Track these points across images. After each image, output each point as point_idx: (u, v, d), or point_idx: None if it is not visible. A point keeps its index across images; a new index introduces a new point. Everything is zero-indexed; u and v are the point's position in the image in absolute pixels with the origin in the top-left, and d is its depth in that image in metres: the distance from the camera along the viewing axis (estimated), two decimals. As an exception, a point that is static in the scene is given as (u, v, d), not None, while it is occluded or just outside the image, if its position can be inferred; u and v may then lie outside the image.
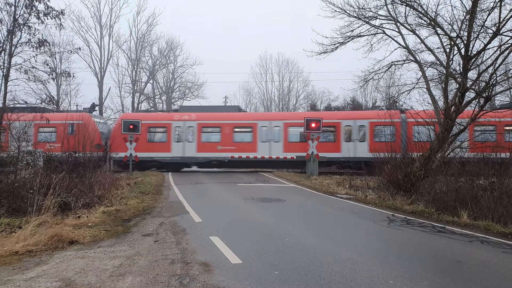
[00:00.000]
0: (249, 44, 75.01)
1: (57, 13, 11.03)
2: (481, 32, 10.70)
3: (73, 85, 39.05)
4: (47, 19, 10.92)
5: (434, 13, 12.33)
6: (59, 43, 31.22)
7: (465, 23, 11.32)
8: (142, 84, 41.61)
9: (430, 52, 13.29)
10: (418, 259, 5.44)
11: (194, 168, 23.96)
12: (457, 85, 11.84)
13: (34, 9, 10.64)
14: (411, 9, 12.82)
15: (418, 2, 12.33)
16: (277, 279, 4.45)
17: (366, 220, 8.79)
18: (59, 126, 20.63)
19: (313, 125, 19.74)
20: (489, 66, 11.24)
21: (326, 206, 11.05)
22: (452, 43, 11.97)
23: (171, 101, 45.24)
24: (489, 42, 10.57)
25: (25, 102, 11.25)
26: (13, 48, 10.47)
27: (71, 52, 32.28)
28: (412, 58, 14.06)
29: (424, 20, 12.75)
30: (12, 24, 10.40)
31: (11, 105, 10.46)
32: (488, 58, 11.49)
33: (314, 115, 22.88)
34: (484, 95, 10.84)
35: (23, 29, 10.61)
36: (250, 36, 74.27)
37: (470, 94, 12.45)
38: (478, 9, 10.95)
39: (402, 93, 15.28)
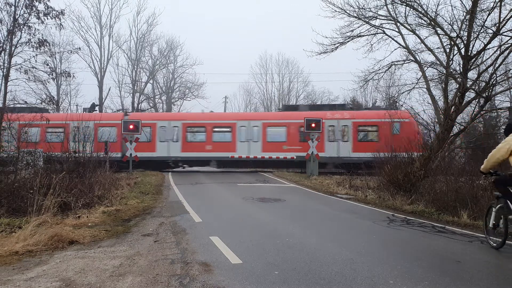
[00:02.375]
0: (249, 44, 75.06)
1: (57, 13, 11.03)
2: (481, 32, 10.72)
3: (73, 85, 39.07)
4: (47, 19, 10.93)
5: (434, 13, 12.35)
6: (59, 43, 31.23)
7: (465, 23, 11.32)
8: (142, 84, 41.63)
9: (430, 52, 13.32)
10: (418, 259, 5.43)
11: (195, 167, 24.07)
12: (457, 85, 11.84)
13: (34, 9, 10.64)
14: (411, 9, 12.85)
15: (418, 2, 12.35)
16: (277, 279, 4.45)
17: (366, 220, 8.79)
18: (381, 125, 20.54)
19: (313, 125, 19.77)
20: (489, 66, 11.25)
21: (326, 206, 11.05)
22: (452, 43, 11.97)
23: (171, 101, 45.25)
24: (489, 42, 10.57)
25: (25, 102, 11.26)
26: (13, 48, 10.47)
27: (71, 52, 32.37)
28: (412, 58, 14.08)
29: (424, 20, 12.77)
30: (12, 24, 10.40)
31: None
32: (488, 58, 11.50)
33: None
34: (484, 95, 10.84)
35: (23, 29, 10.61)
36: (250, 36, 74.33)
37: (470, 94, 12.46)
38: (478, 9, 10.95)
39: (402, 93, 15.31)
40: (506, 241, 5.82)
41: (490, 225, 6.17)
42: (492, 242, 6.14)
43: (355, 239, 6.85)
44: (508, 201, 5.64)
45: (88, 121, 15.36)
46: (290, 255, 5.47)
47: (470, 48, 10.92)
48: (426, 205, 10.04)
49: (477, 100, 11.79)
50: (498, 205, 5.99)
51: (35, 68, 10.82)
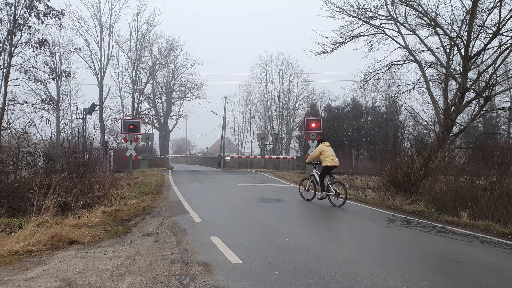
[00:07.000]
0: (249, 46, 75.23)
1: (57, 13, 11.05)
2: (481, 32, 10.72)
3: (73, 85, 38.78)
4: (47, 19, 10.96)
5: (434, 13, 12.37)
6: (59, 43, 31.03)
7: (465, 23, 11.33)
8: (142, 84, 41.57)
9: (430, 52, 13.31)
10: (418, 259, 5.43)
11: (194, 167, 24.07)
12: (457, 85, 11.84)
13: (34, 9, 10.66)
14: (411, 9, 12.85)
15: (418, 2, 12.36)
16: (277, 279, 4.45)
17: (366, 220, 8.79)
18: None
19: (313, 125, 19.76)
20: (489, 66, 11.25)
21: (326, 206, 11.04)
22: (452, 43, 11.98)
23: (171, 101, 45.25)
24: (489, 42, 10.57)
25: (25, 102, 11.27)
26: (13, 48, 10.49)
27: (71, 52, 32.13)
28: (412, 58, 14.07)
29: (424, 20, 12.78)
30: (12, 24, 10.41)
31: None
32: (488, 58, 11.51)
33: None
34: (484, 95, 10.83)
35: (23, 29, 10.63)
36: (250, 36, 74.45)
37: (470, 94, 12.47)
38: (478, 9, 10.96)
39: (402, 93, 15.34)
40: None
41: (306, 189, 12.00)
42: (306, 198, 11.66)
43: (355, 239, 6.85)
44: (316, 176, 11.25)
45: None
46: (290, 255, 5.47)
47: (470, 48, 10.92)
48: (426, 205, 10.03)
49: (477, 100, 11.79)
50: (312, 178, 11.62)
51: (35, 68, 10.85)
